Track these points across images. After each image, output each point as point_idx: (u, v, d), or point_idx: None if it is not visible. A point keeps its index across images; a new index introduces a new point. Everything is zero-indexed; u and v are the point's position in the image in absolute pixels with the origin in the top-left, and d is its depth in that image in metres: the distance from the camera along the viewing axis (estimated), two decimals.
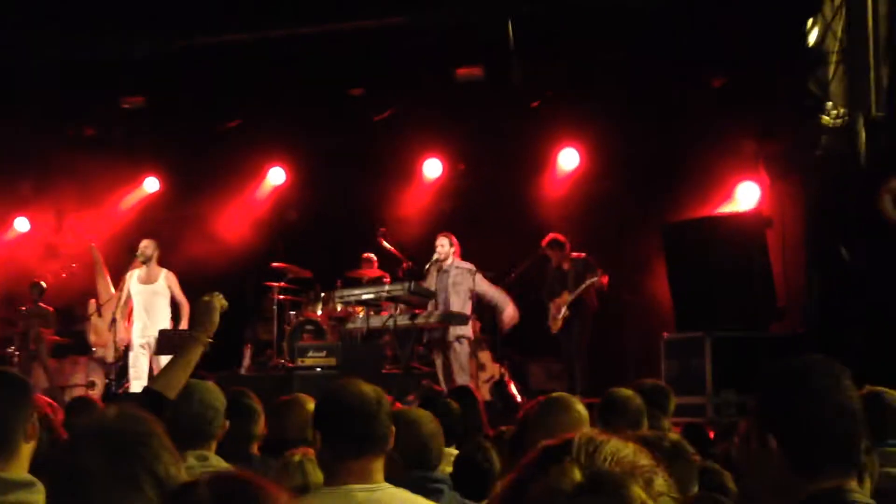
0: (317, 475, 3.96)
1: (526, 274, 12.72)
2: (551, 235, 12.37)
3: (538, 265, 12.61)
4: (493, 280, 11.99)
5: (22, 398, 3.21)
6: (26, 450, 3.19)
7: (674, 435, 4.18)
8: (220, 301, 4.07)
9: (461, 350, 11.34)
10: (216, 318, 4.03)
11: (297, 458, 4.21)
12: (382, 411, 3.42)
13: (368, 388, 3.48)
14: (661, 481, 1.49)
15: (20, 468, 3.15)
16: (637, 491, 1.44)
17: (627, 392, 5.09)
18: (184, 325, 11.78)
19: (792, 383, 2.60)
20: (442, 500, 4.05)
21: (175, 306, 12.01)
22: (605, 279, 11.96)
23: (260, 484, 1.93)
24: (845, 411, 2.54)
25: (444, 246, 11.57)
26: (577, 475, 1.45)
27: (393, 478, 3.69)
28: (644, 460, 1.50)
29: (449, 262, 11.52)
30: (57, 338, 14.31)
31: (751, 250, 10.94)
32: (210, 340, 4.05)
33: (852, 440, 2.55)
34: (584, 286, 11.91)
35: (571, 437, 1.53)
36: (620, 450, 1.50)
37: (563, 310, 12.01)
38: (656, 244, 12.15)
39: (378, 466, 3.40)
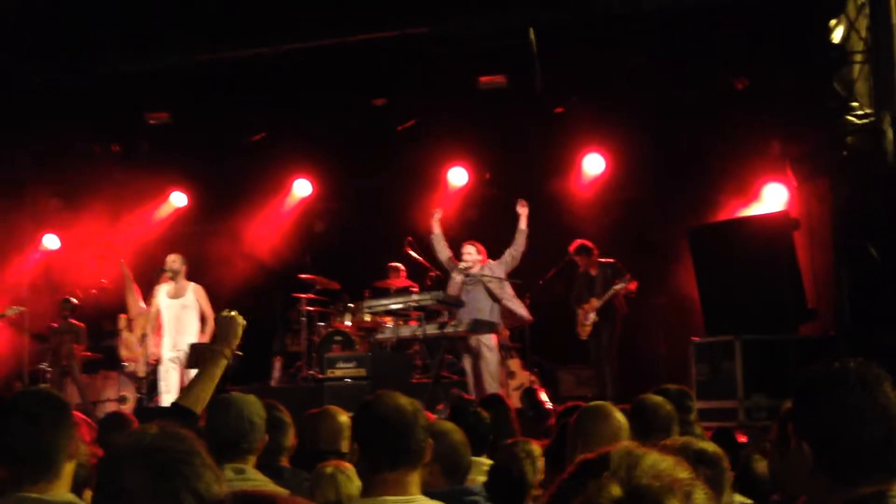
0: (349, 487, 3.97)
1: (553, 280, 12.71)
2: (578, 241, 12.36)
3: (566, 271, 12.60)
4: (521, 287, 11.97)
5: (63, 418, 3.24)
6: (69, 468, 3.22)
7: (707, 444, 4.16)
8: (240, 320, 4.09)
9: (490, 358, 11.32)
10: (239, 332, 4.05)
11: (329, 470, 4.22)
12: (419, 424, 3.43)
13: (405, 401, 3.48)
14: (700, 494, 1.49)
15: (63, 487, 3.19)
16: None
17: (657, 398, 5.06)
18: (207, 338, 11.85)
19: (827, 389, 2.54)
20: None
21: (204, 320, 12.06)
22: (634, 284, 11.94)
23: (283, 501, 1.93)
24: (884, 416, 2.47)
25: (472, 254, 11.56)
26: (617, 490, 1.45)
27: (432, 490, 3.70)
28: (683, 473, 1.49)
29: (476, 269, 11.51)
30: (88, 353, 14.40)
31: (779, 252, 10.88)
32: (239, 354, 4.07)
33: (892, 445, 2.47)
34: (612, 291, 11.91)
35: (609, 450, 1.53)
36: (659, 463, 1.49)
37: (592, 315, 12.00)
38: (683, 247, 12.11)
39: (414, 479, 3.40)
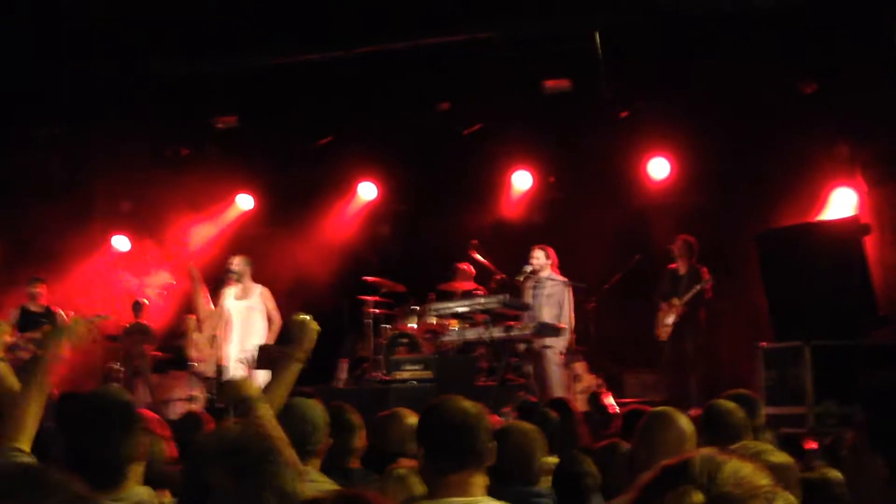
0: (422, 489, 4.01)
1: (620, 283, 12.67)
2: (683, 236, 12.22)
3: (631, 276, 12.54)
4: (586, 291, 11.96)
5: (131, 422, 3.30)
6: (138, 469, 3.29)
7: (778, 453, 4.14)
8: (313, 324, 4.13)
9: (553, 361, 11.32)
10: (312, 336, 4.09)
11: (400, 472, 4.25)
12: (482, 427, 3.48)
13: (469, 404, 3.54)
14: (781, 501, 1.50)
15: (132, 485, 3.25)
16: None
17: (730, 404, 5.04)
18: (271, 339, 11.96)
19: None
20: None
21: (270, 321, 12.19)
22: (709, 285, 11.81)
23: (379, 501, 1.97)
24: None
25: (539, 258, 11.57)
26: (699, 497, 1.47)
27: (496, 492, 3.73)
28: (764, 480, 1.51)
29: (545, 273, 11.51)
30: (158, 353, 14.61)
31: (848, 257, 10.74)
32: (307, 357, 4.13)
33: None
34: (693, 292, 11.76)
35: (691, 456, 1.55)
36: (740, 470, 1.50)
37: (672, 317, 11.84)
38: (748, 252, 12.01)
39: (478, 481, 3.44)
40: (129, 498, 3.17)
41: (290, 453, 2.45)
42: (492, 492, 3.67)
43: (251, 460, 2.32)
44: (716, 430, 4.63)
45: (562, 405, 6.90)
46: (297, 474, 2.38)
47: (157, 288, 15.04)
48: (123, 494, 3.17)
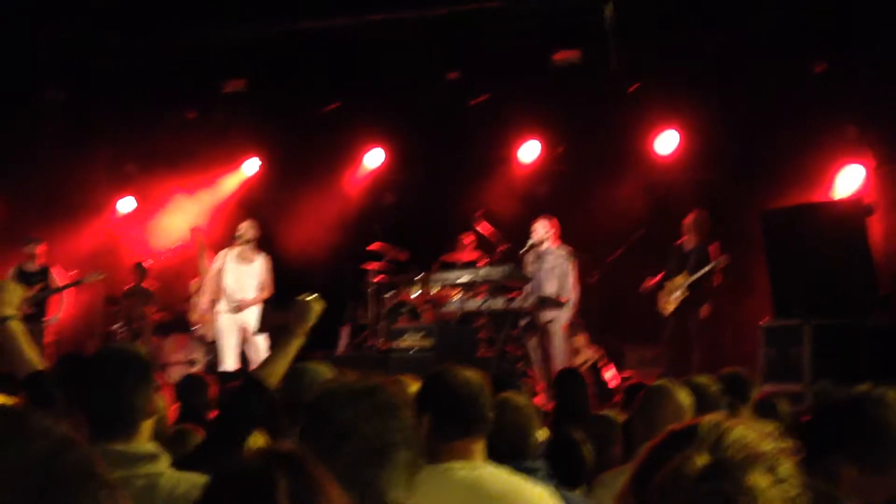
0: None
1: (623, 257, 12.67)
2: (697, 210, 12.12)
3: (635, 249, 12.53)
4: (590, 262, 11.95)
5: (145, 377, 3.34)
6: (148, 425, 3.32)
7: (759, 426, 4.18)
8: (319, 303, 4.21)
9: (555, 334, 11.33)
10: (315, 315, 4.16)
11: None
12: (486, 395, 3.52)
13: (472, 373, 3.58)
14: (785, 466, 1.52)
15: (143, 441, 3.28)
16: (760, 477, 1.48)
17: (704, 379, 5.13)
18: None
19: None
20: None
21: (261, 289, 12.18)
22: (722, 265, 11.72)
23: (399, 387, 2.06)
24: None
25: (538, 231, 11.53)
26: (703, 460, 1.49)
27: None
28: (768, 446, 1.53)
29: (545, 246, 11.49)
30: (158, 316, 14.65)
31: (852, 237, 10.73)
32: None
33: None
34: (704, 270, 11.65)
35: (698, 422, 1.57)
36: (745, 436, 1.52)
37: (678, 292, 11.77)
38: (755, 230, 12.00)
39: (480, 448, 3.48)
40: (140, 449, 3.19)
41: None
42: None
43: (383, 403, 2.45)
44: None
45: (573, 376, 6.91)
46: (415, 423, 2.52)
47: (161, 252, 15.07)
48: (133, 446, 3.20)
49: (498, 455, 3.59)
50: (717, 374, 5.96)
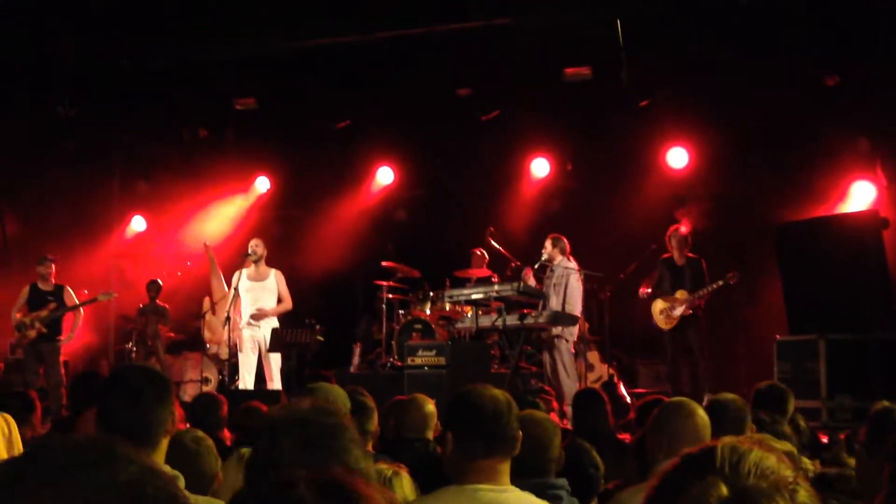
0: (403, 492, 3.93)
1: (636, 273, 12.62)
2: (675, 227, 12.08)
3: (647, 264, 12.48)
4: (601, 280, 11.93)
5: (166, 395, 3.37)
6: (165, 443, 3.37)
7: (782, 443, 4.15)
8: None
9: (564, 350, 11.28)
10: None
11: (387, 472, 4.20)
12: (513, 414, 3.48)
13: (499, 392, 3.55)
14: (803, 493, 1.49)
15: (160, 459, 3.31)
16: None
17: (730, 396, 5.05)
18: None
19: None
20: None
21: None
22: (733, 282, 11.64)
23: (358, 486, 1.97)
24: None
25: (547, 248, 11.49)
26: (723, 489, 1.46)
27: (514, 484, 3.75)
28: (787, 471, 1.49)
29: (557, 261, 11.46)
30: (172, 334, 14.67)
31: (867, 251, 10.70)
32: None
33: None
34: (713, 287, 11.55)
35: (713, 445, 1.53)
36: (764, 460, 1.49)
37: (680, 308, 11.70)
38: (769, 245, 11.97)
39: (505, 468, 3.45)
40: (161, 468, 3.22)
41: (355, 432, 2.48)
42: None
43: (320, 434, 2.37)
44: (717, 422, 4.62)
45: (593, 396, 6.86)
46: (364, 453, 2.42)
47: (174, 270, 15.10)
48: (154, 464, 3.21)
49: (519, 471, 3.57)
50: (754, 388, 5.94)
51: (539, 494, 3.71)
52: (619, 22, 12.14)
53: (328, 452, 2.33)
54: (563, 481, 4.13)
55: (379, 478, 4.14)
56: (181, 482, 3.22)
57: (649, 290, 12.06)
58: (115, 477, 1.30)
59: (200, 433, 4.28)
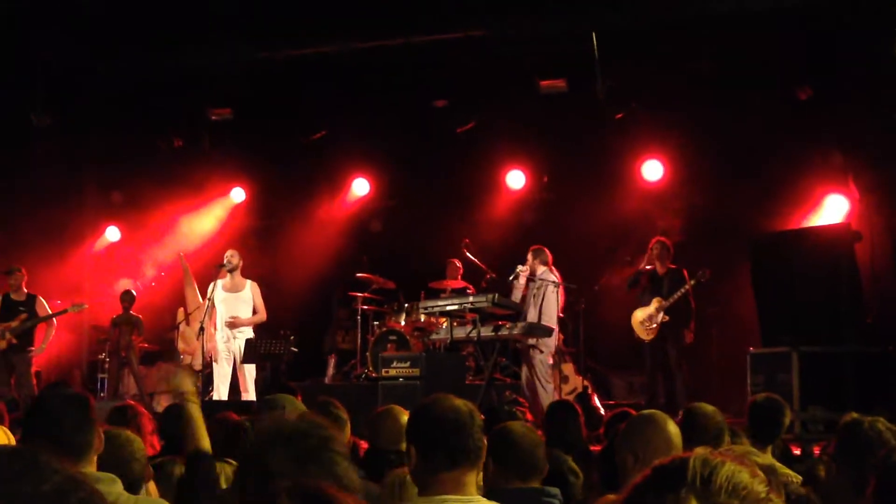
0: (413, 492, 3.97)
1: (610, 285, 12.65)
2: (658, 238, 12.10)
3: (624, 274, 12.50)
4: (576, 292, 11.94)
5: (85, 417, 3.50)
6: (94, 458, 3.52)
7: (763, 456, 4.16)
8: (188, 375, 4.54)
9: (541, 361, 11.27)
10: (190, 382, 4.56)
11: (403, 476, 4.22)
12: (475, 424, 3.45)
13: (461, 402, 3.51)
14: None
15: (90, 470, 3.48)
16: None
17: (709, 408, 5.05)
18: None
19: None
20: None
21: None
22: (696, 283, 11.65)
23: (339, 497, 1.96)
24: None
25: (528, 259, 11.51)
26: None
27: (501, 489, 3.75)
28: (760, 486, 1.48)
29: (539, 273, 11.46)
30: (146, 345, 14.58)
31: (839, 264, 10.76)
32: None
33: None
34: (678, 294, 11.59)
35: (685, 457, 1.52)
36: (736, 474, 1.47)
37: (659, 316, 11.71)
38: (738, 257, 12.01)
39: (471, 479, 3.42)
40: (99, 473, 3.46)
41: (343, 445, 2.48)
42: (504, 491, 3.68)
43: (312, 447, 2.36)
44: (694, 434, 4.62)
45: (566, 407, 6.85)
46: (351, 465, 2.40)
47: (146, 279, 15.02)
48: (90, 470, 3.44)
49: (514, 476, 3.56)
50: (751, 400, 5.95)
51: (535, 502, 3.71)
52: (594, 35, 12.16)
53: (317, 465, 2.33)
54: (556, 490, 4.12)
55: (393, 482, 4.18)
56: (117, 486, 3.34)
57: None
58: (38, 487, 1.29)
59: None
